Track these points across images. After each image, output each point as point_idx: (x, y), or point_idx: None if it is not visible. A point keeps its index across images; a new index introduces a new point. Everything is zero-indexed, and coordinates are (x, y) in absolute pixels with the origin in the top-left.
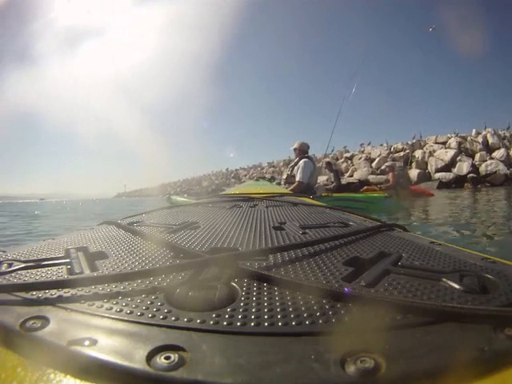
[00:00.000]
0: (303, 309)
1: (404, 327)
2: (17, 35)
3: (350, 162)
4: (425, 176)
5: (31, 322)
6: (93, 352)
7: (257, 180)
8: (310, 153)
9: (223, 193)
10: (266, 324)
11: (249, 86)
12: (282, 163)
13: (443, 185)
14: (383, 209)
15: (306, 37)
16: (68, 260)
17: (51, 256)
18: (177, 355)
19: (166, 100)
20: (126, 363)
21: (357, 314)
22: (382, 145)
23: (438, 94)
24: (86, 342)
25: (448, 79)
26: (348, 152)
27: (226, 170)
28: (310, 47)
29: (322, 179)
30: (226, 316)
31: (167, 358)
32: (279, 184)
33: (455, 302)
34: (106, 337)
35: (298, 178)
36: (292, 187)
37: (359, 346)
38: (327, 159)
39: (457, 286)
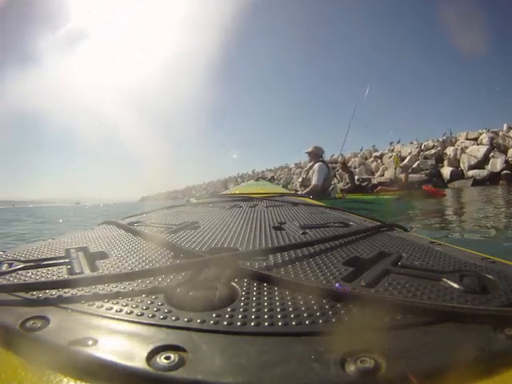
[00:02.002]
0: (303, 309)
1: (404, 327)
2: (28, 38)
3: (379, 161)
4: (457, 174)
5: (31, 322)
6: (93, 352)
7: (257, 180)
8: (331, 153)
9: (223, 193)
10: (266, 324)
11: (274, 88)
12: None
13: (477, 182)
14: (394, 210)
15: (330, 34)
16: (68, 260)
17: (51, 256)
18: (177, 355)
19: (188, 104)
20: (126, 363)
21: (357, 314)
22: (411, 143)
23: (467, 88)
24: (86, 342)
25: (477, 73)
26: (377, 151)
27: (253, 171)
28: (333, 46)
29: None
30: (226, 316)
31: (167, 357)
32: (295, 190)
33: (455, 302)
34: (106, 337)
35: (313, 182)
36: (307, 190)
37: (359, 346)
38: (342, 160)
39: (457, 286)
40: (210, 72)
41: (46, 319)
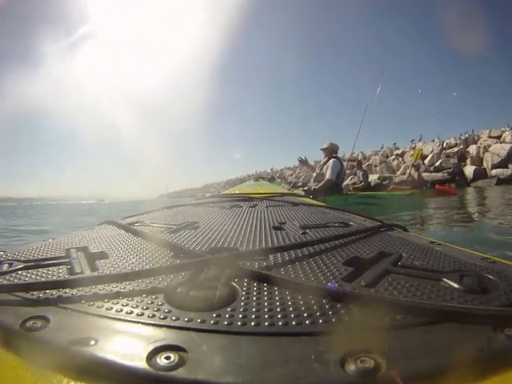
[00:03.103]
0: (303, 309)
1: (404, 327)
2: (34, 39)
3: (401, 159)
4: (481, 173)
5: (31, 322)
6: (93, 352)
7: (257, 180)
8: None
9: (223, 193)
10: (266, 324)
11: (295, 86)
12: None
13: (502, 181)
14: (406, 206)
15: (343, 33)
16: (68, 260)
17: (51, 256)
18: (177, 355)
19: (208, 104)
20: (126, 363)
21: (357, 314)
22: (433, 140)
23: (487, 84)
24: (86, 342)
25: (498, 69)
26: (398, 149)
27: (271, 169)
28: (344, 44)
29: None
30: (226, 316)
31: (167, 357)
32: (304, 188)
33: (455, 302)
34: (106, 337)
35: (327, 176)
36: (321, 184)
37: (359, 346)
38: (355, 158)
39: (457, 286)
40: (228, 70)
41: (46, 319)
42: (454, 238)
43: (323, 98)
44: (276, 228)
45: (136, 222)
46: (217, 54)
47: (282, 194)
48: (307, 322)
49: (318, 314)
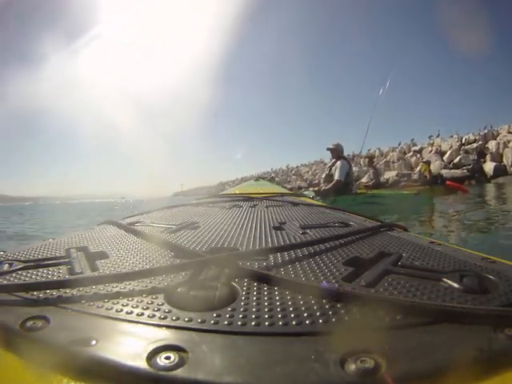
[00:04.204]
0: (303, 309)
1: (404, 327)
2: (38, 40)
3: (419, 155)
4: (501, 169)
5: (31, 322)
6: (93, 352)
7: (256, 180)
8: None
9: (223, 193)
10: (266, 324)
11: (307, 84)
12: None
13: None
14: (411, 206)
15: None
16: (68, 260)
17: (51, 256)
18: (177, 355)
19: (223, 104)
20: (126, 363)
21: (357, 314)
22: (452, 136)
23: (505, 77)
24: (87, 342)
25: None
26: (416, 145)
27: (287, 167)
28: (352, 42)
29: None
30: (227, 316)
31: (167, 357)
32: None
33: (455, 302)
34: (106, 337)
35: (336, 177)
36: (330, 185)
37: (359, 346)
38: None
39: (457, 286)
40: (243, 70)
41: (46, 319)
42: (452, 238)
43: (337, 94)
44: (276, 228)
45: (136, 222)
46: (236, 52)
47: (282, 194)
48: (307, 321)
49: (317, 314)
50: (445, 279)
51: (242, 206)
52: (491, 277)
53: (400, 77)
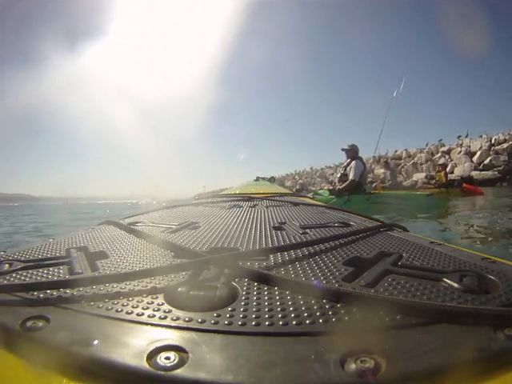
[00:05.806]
0: (303, 309)
1: (404, 327)
2: (41, 41)
3: (447, 156)
4: None
5: (31, 322)
6: (93, 352)
7: (256, 180)
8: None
9: (223, 193)
10: (266, 324)
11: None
12: (371, 160)
13: None
14: (425, 207)
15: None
16: (68, 260)
17: (51, 256)
18: (177, 355)
19: (250, 106)
20: (126, 363)
21: (357, 313)
22: (481, 136)
23: None
24: (87, 342)
25: None
26: (444, 146)
27: (311, 168)
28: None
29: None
30: (227, 316)
31: (167, 357)
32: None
33: (455, 302)
34: (106, 337)
35: (351, 177)
36: (345, 185)
37: (359, 346)
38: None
39: (457, 286)
40: (263, 72)
41: (46, 319)
42: (453, 238)
43: (357, 96)
44: (276, 228)
45: (136, 222)
46: (261, 53)
47: (282, 194)
48: (307, 322)
49: (317, 314)
50: (445, 279)
51: (242, 206)
52: (491, 277)
53: (425, 77)
